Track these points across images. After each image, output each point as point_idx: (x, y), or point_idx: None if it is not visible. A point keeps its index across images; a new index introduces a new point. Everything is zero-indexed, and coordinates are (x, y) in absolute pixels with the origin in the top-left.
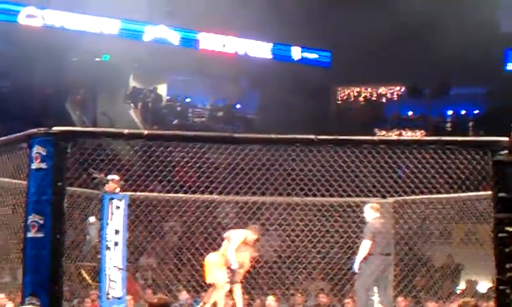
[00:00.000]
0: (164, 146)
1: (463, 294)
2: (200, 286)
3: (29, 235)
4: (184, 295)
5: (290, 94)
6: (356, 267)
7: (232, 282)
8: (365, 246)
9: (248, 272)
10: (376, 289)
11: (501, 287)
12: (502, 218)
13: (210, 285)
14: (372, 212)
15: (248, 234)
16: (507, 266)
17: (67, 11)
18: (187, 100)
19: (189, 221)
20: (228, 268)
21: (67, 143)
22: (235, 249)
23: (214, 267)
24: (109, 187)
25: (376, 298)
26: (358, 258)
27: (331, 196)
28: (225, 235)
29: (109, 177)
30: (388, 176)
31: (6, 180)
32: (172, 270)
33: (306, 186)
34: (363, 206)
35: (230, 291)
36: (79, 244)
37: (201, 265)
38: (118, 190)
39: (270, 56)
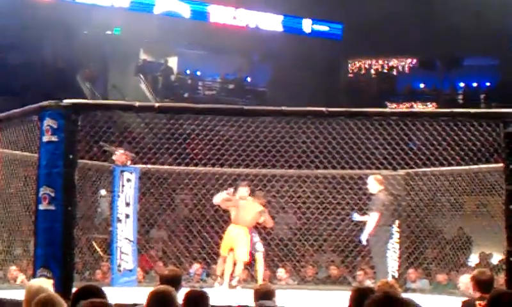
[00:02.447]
0: (174, 119)
1: (477, 267)
2: (211, 258)
3: (41, 207)
4: (193, 267)
5: (301, 67)
6: (364, 239)
7: (254, 250)
8: (373, 218)
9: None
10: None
11: (511, 259)
12: None
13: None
14: (376, 184)
15: (240, 191)
16: None
17: None
18: (198, 73)
19: (199, 194)
20: (251, 232)
21: (78, 116)
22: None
23: (242, 243)
24: (117, 158)
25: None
26: (367, 230)
27: (342, 168)
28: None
29: (115, 150)
30: (399, 149)
31: (18, 152)
32: (183, 242)
33: (317, 158)
34: (366, 178)
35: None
36: (90, 216)
37: (220, 237)
38: (129, 163)
39: (281, 29)
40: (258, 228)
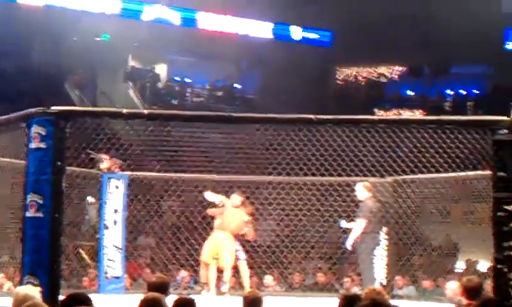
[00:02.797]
0: (163, 126)
1: (464, 274)
2: (198, 265)
3: (28, 214)
4: (180, 274)
5: (290, 74)
6: (348, 245)
7: (237, 258)
8: (360, 225)
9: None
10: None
11: (499, 266)
12: (501, 197)
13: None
14: (365, 191)
15: (234, 199)
16: (505, 245)
17: None
18: (187, 80)
19: (187, 201)
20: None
21: (66, 123)
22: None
23: (226, 251)
24: (103, 165)
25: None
26: (352, 236)
27: (330, 175)
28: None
29: (102, 158)
30: (387, 156)
31: (5, 159)
32: (170, 249)
33: (306, 165)
34: (354, 185)
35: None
36: (77, 223)
37: (201, 245)
38: (117, 169)
39: (270, 36)
40: (238, 236)
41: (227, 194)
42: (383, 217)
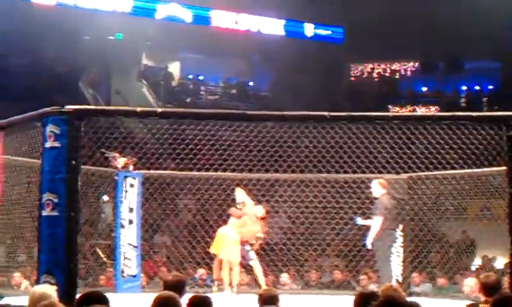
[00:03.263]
0: (177, 124)
1: (480, 270)
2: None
3: (44, 213)
4: (198, 272)
5: (303, 71)
6: (368, 243)
7: (247, 259)
8: (377, 223)
9: (262, 248)
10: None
11: None
12: None
13: (214, 259)
14: (380, 188)
15: (257, 209)
16: None
17: None
18: (200, 77)
19: (202, 199)
20: (243, 244)
21: (81, 122)
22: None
23: (231, 243)
24: (119, 164)
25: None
26: (371, 234)
27: (345, 172)
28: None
29: (116, 156)
30: (402, 152)
31: (20, 158)
32: (186, 247)
33: (320, 163)
34: (368, 182)
35: (251, 268)
36: (93, 222)
37: (212, 238)
38: (131, 168)
39: (283, 33)
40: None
41: (256, 199)
42: (398, 214)
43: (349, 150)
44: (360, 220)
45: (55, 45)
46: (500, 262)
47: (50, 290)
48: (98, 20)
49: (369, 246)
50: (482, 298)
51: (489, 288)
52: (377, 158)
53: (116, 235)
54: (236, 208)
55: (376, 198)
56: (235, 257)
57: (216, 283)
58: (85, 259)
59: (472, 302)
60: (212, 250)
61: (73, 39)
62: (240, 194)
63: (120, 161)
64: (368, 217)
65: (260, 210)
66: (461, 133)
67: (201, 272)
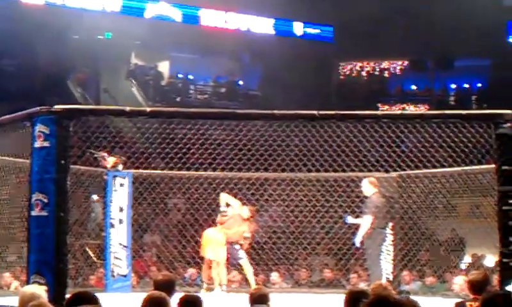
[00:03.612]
0: (166, 123)
1: (469, 268)
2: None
3: (33, 213)
4: (188, 272)
5: (293, 70)
6: (357, 241)
7: (237, 258)
8: (367, 221)
9: (252, 247)
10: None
11: (504, 260)
12: (506, 191)
13: (203, 260)
14: (370, 186)
15: (243, 211)
16: (511, 239)
17: None
18: (190, 76)
19: (192, 198)
20: (231, 243)
21: (70, 121)
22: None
23: (216, 243)
24: (108, 164)
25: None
26: (360, 233)
27: (335, 171)
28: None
29: (104, 156)
30: (391, 151)
31: (9, 158)
32: (176, 247)
33: (309, 161)
34: (358, 181)
35: (241, 267)
36: (83, 221)
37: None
38: (120, 167)
39: (272, 32)
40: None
41: (245, 199)
42: (388, 213)
43: (339, 149)
44: (350, 219)
45: (44, 44)
46: (490, 260)
47: (39, 290)
48: (87, 20)
49: (358, 244)
50: (471, 296)
51: (477, 286)
52: (366, 157)
53: (106, 234)
54: (221, 214)
55: (366, 197)
56: (220, 256)
57: (205, 284)
58: (75, 259)
59: (460, 300)
60: (201, 253)
61: (62, 39)
62: (224, 199)
63: (109, 160)
64: (358, 216)
65: (246, 212)
66: (450, 132)
67: (191, 271)
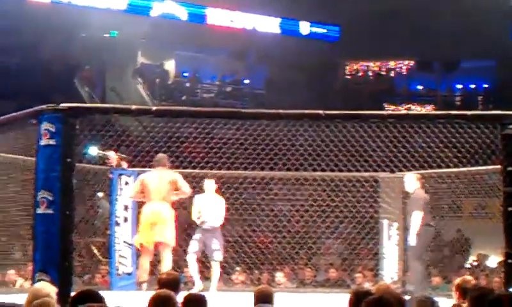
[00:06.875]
0: (172, 122)
1: (473, 268)
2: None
3: (39, 211)
4: None
5: (299, 69)
6: (412, 240)
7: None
8: (418, 218)
9: (257, 247)
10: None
11: (509, 261)
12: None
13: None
14: (414, 181)
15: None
16: None
17: None
18: (196, 75)
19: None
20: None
21: (76, 119)
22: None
23: (167, 220)
24: (109, 162)
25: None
26: (413, 230)
27: (340, 170)
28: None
29: (109, 155)
30: (397, 151)
31: (15, 156)
32: (181, 245)
33: (315, 161)
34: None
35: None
36: (88, 219)
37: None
38: (125, 165)
39: (278, 31)
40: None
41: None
42: (432, 209)
43: (344, 149)
44: (411, 240)
45: (50, 42)
46: (495, 261)
47: (50, 289)
48: (93, 18)
49: (413, 243)
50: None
51: (466, 292)
52: (372, 157)
53: (111, 232)
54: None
55: (407, 193)
56: (172, 240)
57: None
58: (80, 257)
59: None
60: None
61: (69, 37)
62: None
63: (113, 159)
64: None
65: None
66: (456, 132)
67: None
